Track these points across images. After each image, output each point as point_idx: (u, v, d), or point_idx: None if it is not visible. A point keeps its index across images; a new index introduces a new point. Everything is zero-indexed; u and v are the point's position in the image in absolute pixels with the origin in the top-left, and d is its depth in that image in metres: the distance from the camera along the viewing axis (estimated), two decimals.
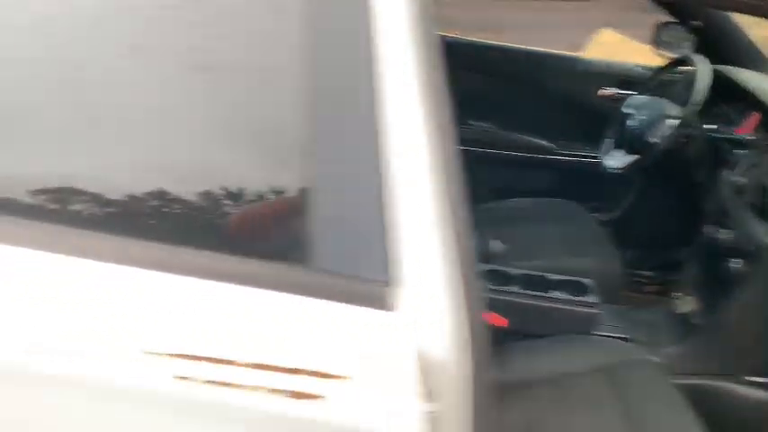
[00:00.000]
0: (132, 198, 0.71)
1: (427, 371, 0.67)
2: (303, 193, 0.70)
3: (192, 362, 0.64)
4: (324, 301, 0.67)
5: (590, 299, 1.43)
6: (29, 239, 0.68)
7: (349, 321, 0.67)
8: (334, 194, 0.69)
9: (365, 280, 0.68)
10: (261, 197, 0.73)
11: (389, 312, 0.68)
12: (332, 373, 0.64)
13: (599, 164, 1.94)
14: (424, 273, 0.70)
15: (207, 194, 0.71)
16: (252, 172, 0.73)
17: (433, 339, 0.69)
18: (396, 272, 0.69)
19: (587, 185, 2.04)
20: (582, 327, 1.41)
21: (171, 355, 0.64)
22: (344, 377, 0.64)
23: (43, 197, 0.71)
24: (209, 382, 0.64)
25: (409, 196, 0.70)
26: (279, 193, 0.73)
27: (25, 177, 0.71)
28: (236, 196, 0.72)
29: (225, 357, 0.64)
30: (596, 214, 1.97)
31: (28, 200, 0.71)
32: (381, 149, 0.70)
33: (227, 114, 0.71)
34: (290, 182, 0.72)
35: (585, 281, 1.46)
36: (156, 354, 0.64)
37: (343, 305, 0.67)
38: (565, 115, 2.06)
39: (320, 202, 0.69)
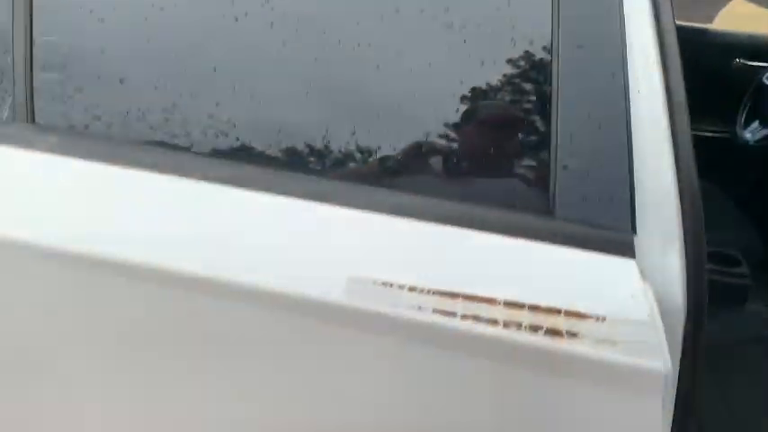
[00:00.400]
0: (393, 150, 0.75)
1: (663, 316, 0.69)
2: (553, 147, 0.72)
3: (450, 300, 0.68)
4: (573, 249, 0.70)
5: (741, 270, 1.40)
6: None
7: (597, 267, 0.70)
8: (581, 149, 0.72)
9: (611, 229, 0.71)
10: (512, 151, 0.76)
11: (632, 260, 0.70)
12: (586, 313, 0.67)
13: (728, 137, 1.89)
14: (662, 223, 0.72)
15: (460, 148, 0.75)
16: (495, 127, 0.76)
17: (668, 287, 0.71)
18: (638, 221, 0.71)
19: (715, 159, 1.99)
20: (733, 298, 1.39)
21: (432, 291, 0.68)
22: (599, 317, 0.67)
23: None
24: (466, 317, 0.67)
25: (650, 152, 0.72)
26: (529, 146, 0.76)
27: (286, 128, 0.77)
28: (487, 150, 0.76)
29: (484, 295, 0.68)
30: (722, 187, 1.92)
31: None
32: (626, 106, 0.72)
33: (473, 70, 0.74)
34: (539, 136, 0.75)
35: (735, 253, 1.43)
36: (419, 290, 0.68)
37: (592, 252, 0.70)
38: (694, 88, 2.01)
39: (569, 156, 0.72)
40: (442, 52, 0.75)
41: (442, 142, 0.75)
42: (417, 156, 0.75)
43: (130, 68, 0.78)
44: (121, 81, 0.78)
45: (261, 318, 0.70)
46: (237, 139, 0.77)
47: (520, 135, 0.78)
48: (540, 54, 0.73)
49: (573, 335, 0.67)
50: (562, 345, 0.66)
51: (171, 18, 0.78)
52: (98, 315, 0.73)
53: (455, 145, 0.76)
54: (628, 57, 0.73)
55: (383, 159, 0.76)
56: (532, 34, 0.73)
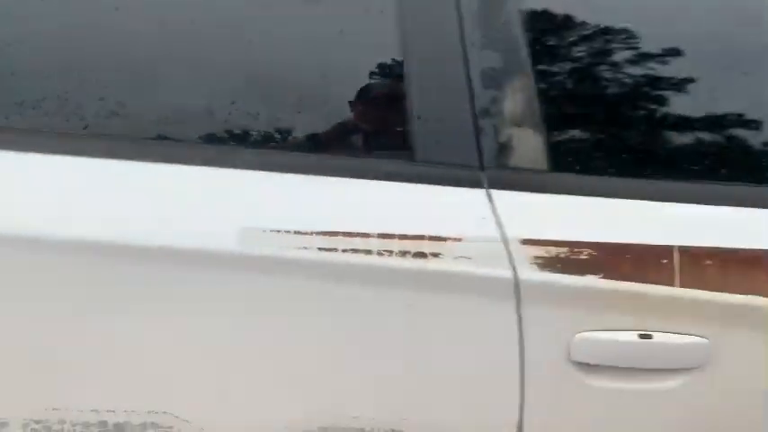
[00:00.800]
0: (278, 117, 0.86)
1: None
2: (409, 102, 0.85)
3: (331, 237, 0.79)
4: (432, 186, 0.83)
5: None
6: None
7: (453, 199, 0.83)
8: (432, 101, 0.85)
9: (462, 166, 0.84)
10: (380, 113, 0.88)
11: (482, 190, 0.84)
12: (446, 236, 0.80)
13: None
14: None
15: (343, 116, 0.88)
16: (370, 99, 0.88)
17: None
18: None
19: None
20: None
21: (315, 232, 0.79)
22: (455, 238, 0.80)
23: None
24: (347, 250, 0.79)
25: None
26: (392, 106, 0.87)
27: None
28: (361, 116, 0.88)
29: (360, 231, 0.79)
30: None
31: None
32: (465, 58, 0.86)
33: (333, 40, 0.87)
34: (398, 95, 0.87)
35: None
36: (304, 233, 0.79)
37: (448, 187, 0.83)
38: None
39: (422, 109, 0.84)
40: (304, 26, 0.86)
41: (334, 113, 0.87)
42: (322, 128, 0.87)
43: (26, 60, 0.84)
44: (13, 74, 0.84)
45: (172, 273, 0.79)
46: (134, 119, 0.85)
47: (386, 98, 0.89)
48: (387, 20, 0.86)
49: (435, 255, 0.80)
50: (427, 264, 0.79)
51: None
52: None
53: (341, 114, 0.87)
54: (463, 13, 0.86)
55: (268, 124, 0.86)
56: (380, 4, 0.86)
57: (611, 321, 0.81)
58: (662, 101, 0.92)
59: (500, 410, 0.82)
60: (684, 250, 0.81)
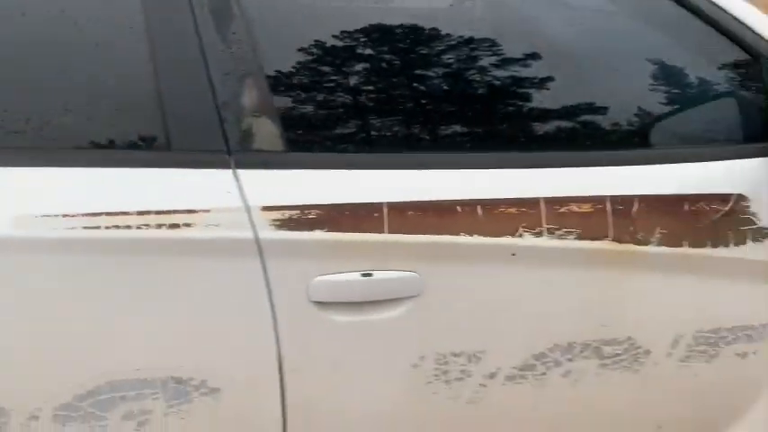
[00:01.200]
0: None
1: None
2: (163, 101, 1.02)
3: (95, 217, 0.94)
4: (186, 169, 1.00)
5: None
6: None
7: (204, 179, 1.01)
8: (181, 98, 1.02)
9: (212, 152, 1.02)
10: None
11: (229, 170, 1.02)
12: (196, 209, 0.97)
13: None
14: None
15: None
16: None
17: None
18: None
19: None
20: None
21: (80, 214, 0.94)
22: (205, 210, 0.98)
23: None
24: (110, 227, 0.94)
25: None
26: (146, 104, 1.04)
27: None
28: None
29: (120, 210, 0.95)
30: None
31: None
32: (205, 62, 1.04)
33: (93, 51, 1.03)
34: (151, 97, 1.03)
35: None
36: (70, 215, 0.93)
37: (200, 169, 1.01)
38: None
39: (173, 105, 1.02)
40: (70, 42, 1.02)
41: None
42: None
43: None
44: None
45: None
46: None
47: (144, 100, 1.05)
48: (137, 35, 1.03)
49: (188, 225, 0.97)
50: (180, 233, 0.96)
51: None
52: None
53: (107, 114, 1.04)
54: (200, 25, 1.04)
55: (40, 125, 1.00)
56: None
57: (339, 265, 1.01)
58: (366, 92, 1.16)
59: (260, 349, 1.01)
60: (391, 205, 1.03)
